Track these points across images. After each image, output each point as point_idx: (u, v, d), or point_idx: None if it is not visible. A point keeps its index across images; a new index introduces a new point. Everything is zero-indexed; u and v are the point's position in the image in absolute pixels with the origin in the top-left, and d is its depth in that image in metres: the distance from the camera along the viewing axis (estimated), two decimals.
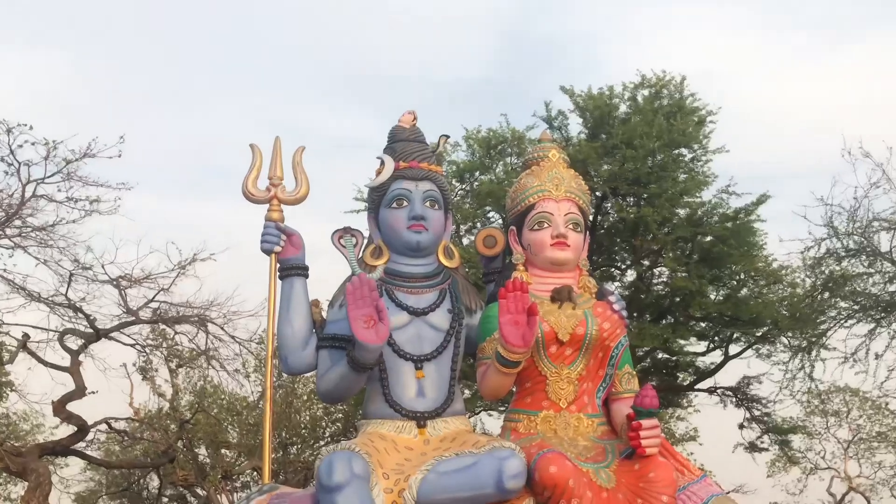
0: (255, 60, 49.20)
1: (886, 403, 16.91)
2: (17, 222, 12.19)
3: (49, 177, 12.06)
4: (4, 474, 15.91)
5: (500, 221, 13.12)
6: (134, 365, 15.76)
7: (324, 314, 6.25)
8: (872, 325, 12.59)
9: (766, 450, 16.42)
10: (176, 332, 14.22)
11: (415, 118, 6.16)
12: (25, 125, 11.69)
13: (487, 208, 13.96)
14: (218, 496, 17.12)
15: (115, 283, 12.96)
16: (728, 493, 7.57)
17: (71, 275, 12.72)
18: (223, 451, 17.77)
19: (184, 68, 46.60)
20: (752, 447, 16.12)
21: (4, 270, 12.54)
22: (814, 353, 13.52)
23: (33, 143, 11.81)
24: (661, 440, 6.26)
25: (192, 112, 47.23)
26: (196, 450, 17.22)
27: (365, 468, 5.81)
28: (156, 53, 46.12)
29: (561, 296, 6.03)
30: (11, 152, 11.74)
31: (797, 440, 17.58)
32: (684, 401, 16.25)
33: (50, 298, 12.91)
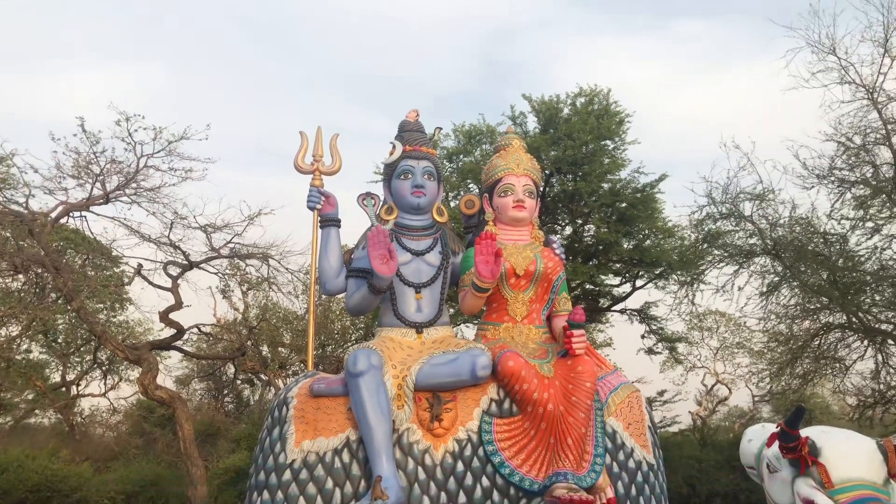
0: (306, 71, 48.62)
1: (745, 322, 17.06)
2: (133, 185, 12.18)
3: (156, 153, 12.04)
4: (125, 362, 16.00)
5: (477, 190, 13.08)
6: (216, 287, 15.82)
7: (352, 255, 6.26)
8: (736, 267, 12.67)
9: (659, 353, 16.55)
10: (247, 265, 14.25)
11: (417, 115, 6.13)
12: (140, 115, 11.69)
13: (468, 181, 13.90)
14: (276, 380, 17.26)
15: (203, 229, 12.98)
16: (632, 382, 7.66)
17: (172, 223, 12.73)
18: (280, 349, 17.87)
19: (249, 77, 46.03)
20: (650, 351, 16.24)
21: (125, 219, 12.58)
22: (695, 286, 13.62)
23: (145, 129, 11.83)
24: (586, 345, 6.32)
25: (261, 108, 46.74)
26: (260, 348, 17.32)
27: (380, 361, 5.86)
28: (234, 67, 45.53)
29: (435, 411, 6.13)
30: (129, 134, 11.72)
31: (681, 347, 17.73)
32: (603, 318, 16.35)
33: (157, 239, 12.92)
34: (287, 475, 7.31)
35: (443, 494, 7.15)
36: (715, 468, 12.33)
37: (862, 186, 11.42)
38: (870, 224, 11.71)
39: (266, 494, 7.27)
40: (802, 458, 2.47)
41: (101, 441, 17.34)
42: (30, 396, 18.14)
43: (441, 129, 6.63)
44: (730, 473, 12.24)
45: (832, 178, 11.55)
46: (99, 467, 13.70)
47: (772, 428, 2.76)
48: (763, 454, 2.77)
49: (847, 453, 2.47)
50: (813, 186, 11.77)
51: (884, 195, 11.17)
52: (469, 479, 7.26)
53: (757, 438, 2.96)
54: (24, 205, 11.87)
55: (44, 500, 11.35)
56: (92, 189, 11.99)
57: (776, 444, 2.57)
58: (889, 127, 11.09)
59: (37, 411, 18.54)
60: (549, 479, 6.68)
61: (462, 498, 7.17)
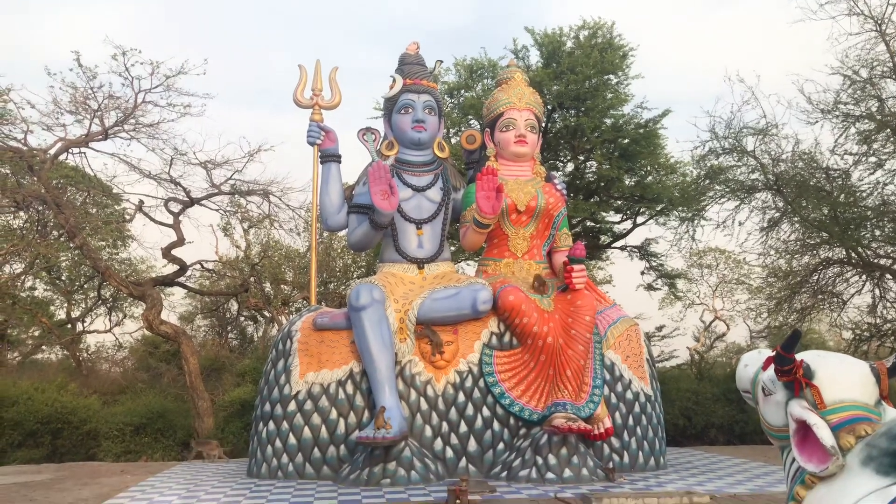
0: (304, 7, 47.59)
1: (744, 257, 17.11)
2: (132, 121, 12.14)
3: (154, 88, 11.97)
4: (130, 298, 16.17)
5: (478, 126, 12.94)
6: (218, 225, 15.89)
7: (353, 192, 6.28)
8: (738, 203, 12.65)
9: (659, 289, 16.60)
10: (248, 202, 14.30)
11: (418, 47, 6.07)
12: (137, 50, 11.56)
13: (469, 117, 13.76)
14: (279, 317, 17.45)
15: (203, 165, 12.98)
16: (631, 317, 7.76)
17: (172, 159, 12.74)
18: (282, 286, 18.00)
19: (245, 13, 45.03)
20: (649, 287, 16.28)
21: (125, 155, 12.58)
22: (696, 221, 13.62)
23: (142, 63, 11.76)
24: (586, 280, 6.39)
25: (258, 43, 45.88)
26: (263, 285, 17.44)
27: (382, 295, 5.94)
28: (230, 2, 44.52)
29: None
30: (127, 70, 11.61)
31: (681, 283, 17.78)
32: (604, 255, 16.40)
33: (157, 176, 12.94)
34: (292, 406, 7.52)
35: (444, 424, 7.37)
36: (711, 401, 12.57)
37: (867, 121, 11.31)
38: (873, 159, 11.64)
39: (272, 424, 7.49)
40: (797, 381, 2.54)
41: (107, 376, 17.63)
42: (36, 333, 18.39)
43: (442, 62, 6.56)
44: (725, 406, 12.49)
45: (837, 113, 11.43)
46: (107, 400, 13.98)
47: (768, 353, 2.82)
48: (759, 378, 2.84)
49: (840, 375, 2.54)
50: (817, 121, 11.67)
51: (888, 130, 11.07)
52: (470, 410, 7.48)
53: (753, 363, 3.03)
54: (23, 141, 11.83)
55: (54, 431, 11.63)
56: (90, 125, 11.93)
57: (772, 367, 2.64)
58: None
59: (43, 347, 18.81)
60: (548, 409, 6.87)
61: (463, 428, 7.39)
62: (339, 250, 18.08)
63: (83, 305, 18.84)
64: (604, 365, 7.41)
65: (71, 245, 12.98)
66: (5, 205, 12.18)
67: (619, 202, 14.43)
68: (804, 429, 2.48)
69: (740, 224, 12.87)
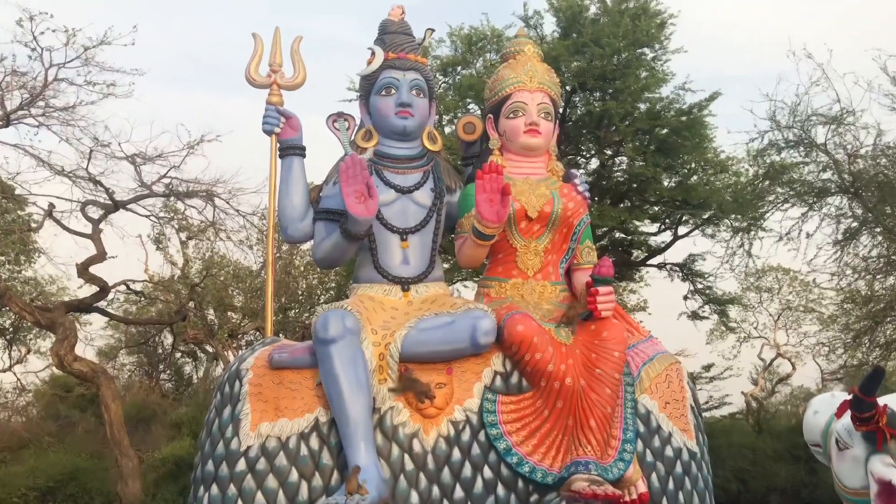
0: None
1: (814, 279, 17.19)
2: (41, 103, 12.13)
3: (69, 62, 11.97)
4: (35, 328, 16.11)
5: (479, 113, 13.02)
6: (148, 236, 15.85)
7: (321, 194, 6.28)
8: (805, 209, 12.76)
9: (707, 318, 16.63)
10: (186, 206, 14.25)
11: (403, 12, 6.08)
12: (46, 13, 11.55)
13: (468, 100, 13.83)
14: (224, 352, 17.43)
15: (130, 159, 12.96)
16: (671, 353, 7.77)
17: (91, 151, 12.70)
18: (229, 313, 17.98)
19: None
20: (695, 316, 16.27)
21: (31, 146, 12.53)
22: (752, 233, 13.71)
23: (54, 31, 11.72)
24: (615, 305, 6.42)
25: (200, 9, 46.03)
26: (205, 311, 17.42)
27: (356, 324, 5.94)
28: None
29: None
30: (34, 38, 11.61)
31: (734, 311, 17.82)
32: (637, 275, 16.45)
33: (72, 172, 12.90)
34: (241, 465, 7.46)
35: (435, 488, 7.32)
36: (772, 459, 12.61)
37: None
38: None
39: (215, 488, 7.43)
40: (879, 431, 2.56)
41: (6, 427, 17.54)
42: None
43: (433, 31, 6.60)
44: (790, 465, 12.53)
45: None
46: (5, 458, 13.92)
47: (843, 397, 2.84)
48: (832, 428, 2.87)
49: None
50: None
51: None
52: (467, 470, 7.43)
53: (824, 410, 3.06)
54: None
55: None
56: None
57: (847, 414, 2.66)
58: None
59: None
60: (566, 469, 6.84)
61: (459, 493, 7.34)
62: (302, 268, 18.11)
63: None
64: (636, 413, 7.39)
65: None
66: None
67: (656, 208, 14.50)
68: (889, 491, 2.50)
69: (808, 236, 12.99)
